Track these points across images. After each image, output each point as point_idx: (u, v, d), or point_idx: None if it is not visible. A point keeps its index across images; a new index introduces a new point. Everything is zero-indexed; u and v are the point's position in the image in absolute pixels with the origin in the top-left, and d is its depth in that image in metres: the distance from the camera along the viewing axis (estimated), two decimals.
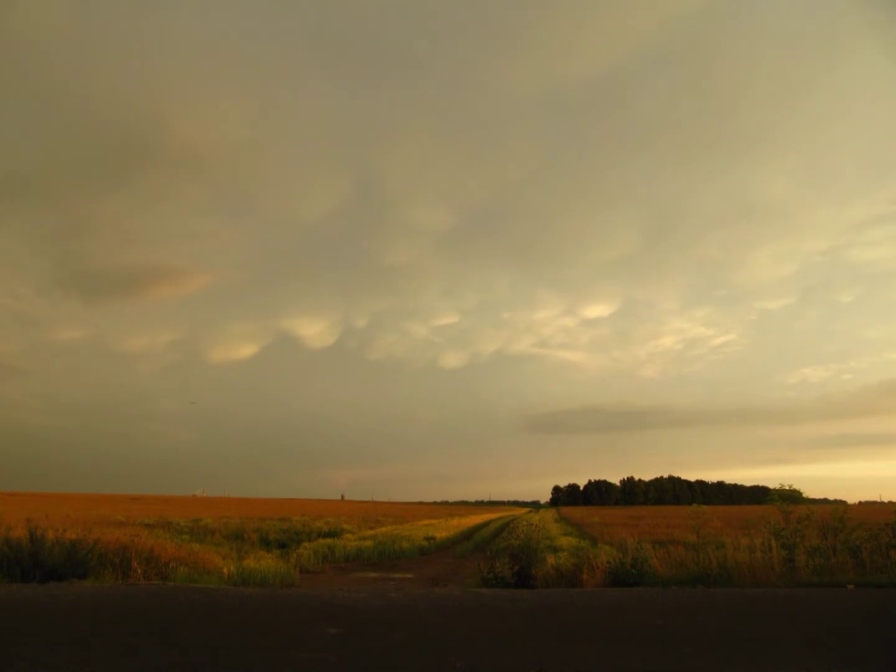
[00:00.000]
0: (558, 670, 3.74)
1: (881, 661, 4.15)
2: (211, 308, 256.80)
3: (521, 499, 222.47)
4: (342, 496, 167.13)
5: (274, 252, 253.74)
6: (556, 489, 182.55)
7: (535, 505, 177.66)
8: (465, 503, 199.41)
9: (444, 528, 31.83)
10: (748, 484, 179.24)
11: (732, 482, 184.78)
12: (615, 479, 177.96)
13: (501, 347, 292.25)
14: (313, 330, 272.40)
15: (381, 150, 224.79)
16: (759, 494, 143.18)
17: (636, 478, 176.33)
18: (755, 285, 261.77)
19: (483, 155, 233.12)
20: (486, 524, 44.39)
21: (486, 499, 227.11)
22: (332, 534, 25.52)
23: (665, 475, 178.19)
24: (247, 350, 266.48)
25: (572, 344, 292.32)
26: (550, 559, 9.94)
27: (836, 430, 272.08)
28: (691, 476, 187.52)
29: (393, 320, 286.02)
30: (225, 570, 10.83)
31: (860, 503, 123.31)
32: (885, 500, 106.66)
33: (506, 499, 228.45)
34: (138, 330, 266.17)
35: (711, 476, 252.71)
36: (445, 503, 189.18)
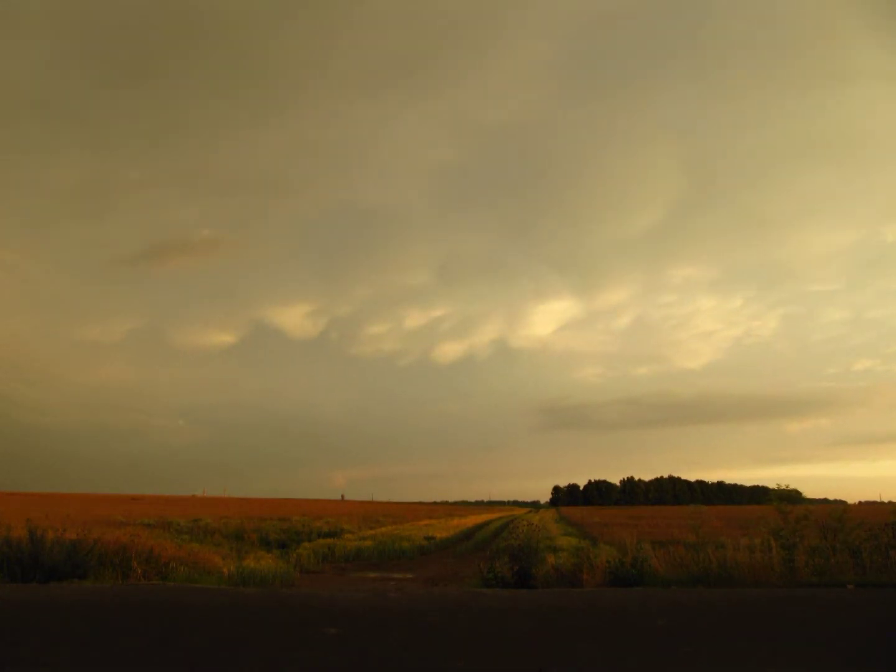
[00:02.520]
0: (558, 670, 3.74)
1: (881, 661, 4.15)
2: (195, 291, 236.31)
3: (520, 499, 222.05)
4: (342, 496, 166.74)
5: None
6: (556, 489, 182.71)
7: (535, 505, 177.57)
8: (465, 503, 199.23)
9: (444, 528, 31.84)
10: (748, 484, 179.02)
11: (732, 482, 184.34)
12: (615, 479, 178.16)
13: (504, 337, 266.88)
14: (296, 320, 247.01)
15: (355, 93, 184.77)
16: (759, 494, 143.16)
17: (636, 478, 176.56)
18: (801, 261, 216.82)
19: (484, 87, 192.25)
20: (486, 524, 44.40)
21: (485, 499, 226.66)
22: (332, 534, 25.53)
23: (665, 475, 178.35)
24: (228, 341, 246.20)
25: (583, 332, 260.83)
26: (550, 559, 9.95)
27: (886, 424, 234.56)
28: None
29: (382, 308, 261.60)
30: (225, 570, 10.83)
31: (860, 503, 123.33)
32: (885, 500, 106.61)
33: (506, 499, 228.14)
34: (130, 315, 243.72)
35: (724, 476, 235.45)
36: (445, 503, 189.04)
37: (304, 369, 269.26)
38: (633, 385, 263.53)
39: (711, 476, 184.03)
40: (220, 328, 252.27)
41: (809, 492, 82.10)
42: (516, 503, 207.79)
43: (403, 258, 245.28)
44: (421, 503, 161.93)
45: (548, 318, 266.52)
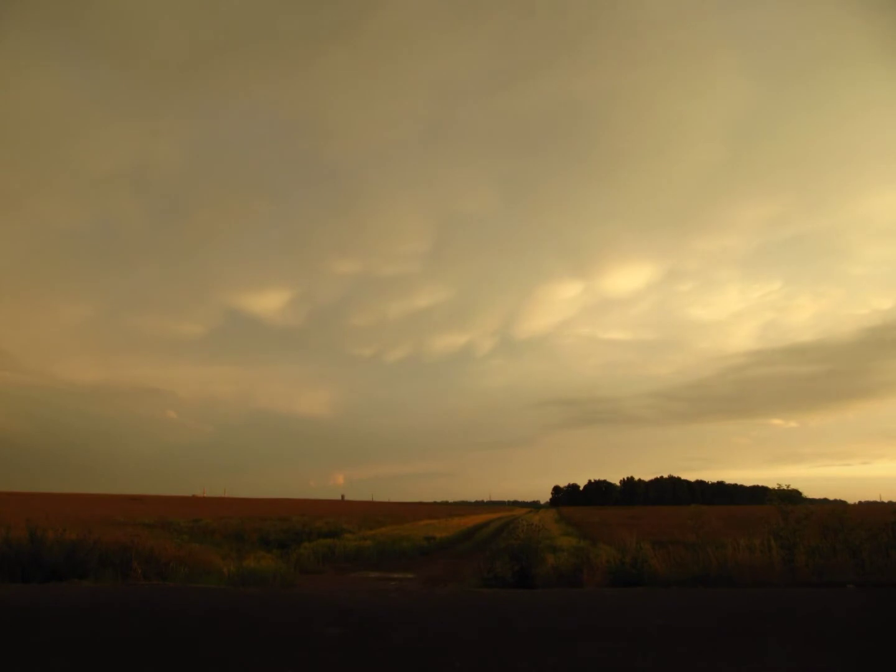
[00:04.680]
0: (558, 670, 3.74)
1: (881, 661, 4.15)
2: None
3: (521, 499, 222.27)
4: (342, 496, 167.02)
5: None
6: (556, 489, 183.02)
7: (535, 505, 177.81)
8: (465, 503, 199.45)
9: (444, 528, 31.87)
10: (748, 484, 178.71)
11: (732, 482, 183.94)
12: (615, 479, 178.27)
13: (506, 327, 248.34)
14: (273, 307, 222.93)
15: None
16: (759, 494, 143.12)
17: (636, 478, 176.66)
18: (850, 234, 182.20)
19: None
20: (486, 524, 44.46)
21: (485, 499, 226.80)
22: (332, 534, 25.55)
23: (665, 475, 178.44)
24: (199, 331, 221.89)
25: (589, 321, 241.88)
26: (550, 559, 9.96)
27: None
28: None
29: (370, 296, 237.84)
30: (225, 570, 10.83)
31: (860, 503, 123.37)
32: (885, 500, 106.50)
33: (506, 499, 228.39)
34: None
35: (741, 477, 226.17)
36: (445, 503, 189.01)
37: (290, 363, 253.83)
38: (647, 379, 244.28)
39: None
40: (192, 318, 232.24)
41: (809, 492, 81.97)
42: (516, 503, 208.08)
43: (393, 234, 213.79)
44: (421, 503, 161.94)
45: (556, 304, 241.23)
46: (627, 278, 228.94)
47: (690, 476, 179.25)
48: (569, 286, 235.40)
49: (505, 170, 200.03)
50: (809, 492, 76.96)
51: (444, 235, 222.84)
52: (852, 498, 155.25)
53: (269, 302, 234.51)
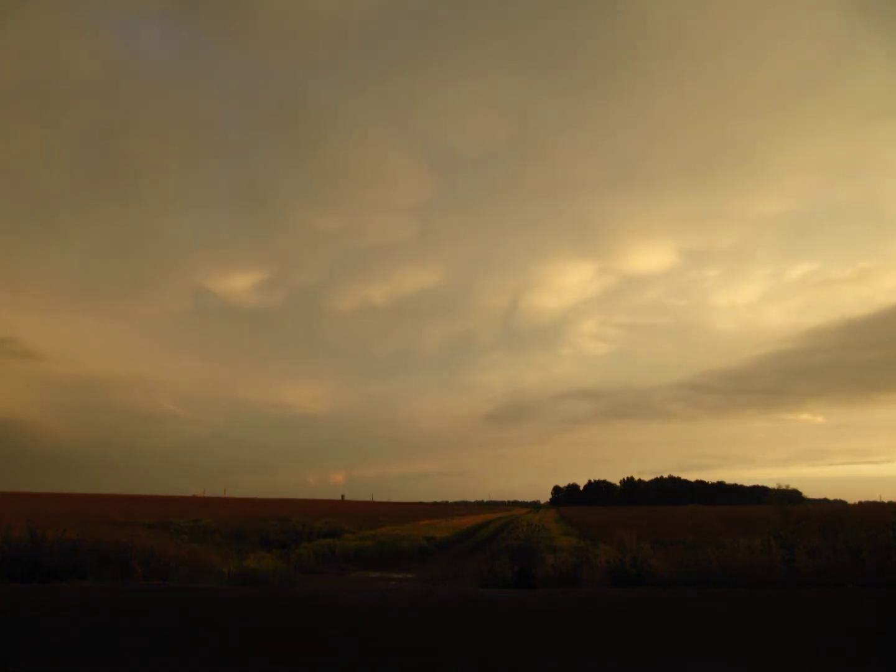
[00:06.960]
0: (557, 670, 3.74)
1: (881, 661, 4.15)
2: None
3: (521, 499, 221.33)
4: (342, 496, 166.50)
5: None
6: (556, 489, 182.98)
7: (535, 505, 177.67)
8: (465, 503, 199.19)
9: (444, 528, 31.87)
10: (749, 484, 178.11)
11: (733, 482, 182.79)
12: (615, 479, 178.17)
13: (503, 319, 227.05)
14: (239, 288, 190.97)
15: None
16: (759, 494, 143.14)
17: (636, 478, 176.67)
18: None
19: None
20: (486, 524, 44.45)
21: (486, 499, 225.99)
22: (332, 534, 25.53)
23: (665, 475, 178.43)
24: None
25: (604, 305, 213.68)
26: (550, 559, 9.96)
27: None
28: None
29: (351, 275, 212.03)
30: (225, 570, 10.82)
31: (860, 503, 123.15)
32: (885, 500, 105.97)
33: (506, 499, 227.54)
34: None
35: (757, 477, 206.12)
36: (445, 503, 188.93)
37: (284, 358, 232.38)
38: (664, 369, 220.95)
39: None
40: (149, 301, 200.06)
41: (808, 492, 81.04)
42: (516, 503, 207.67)
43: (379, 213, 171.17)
44: (421, 503, 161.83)
45: (565, 286, 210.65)
46: (649, 255, 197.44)
47: (693, 476, 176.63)
48: (580, 266, 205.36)
49: (514, 101, 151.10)
50: (809, 492, 75.76)
51: (443, 231, 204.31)
52: (852, 498, 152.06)
53: (240, 284, 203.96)
